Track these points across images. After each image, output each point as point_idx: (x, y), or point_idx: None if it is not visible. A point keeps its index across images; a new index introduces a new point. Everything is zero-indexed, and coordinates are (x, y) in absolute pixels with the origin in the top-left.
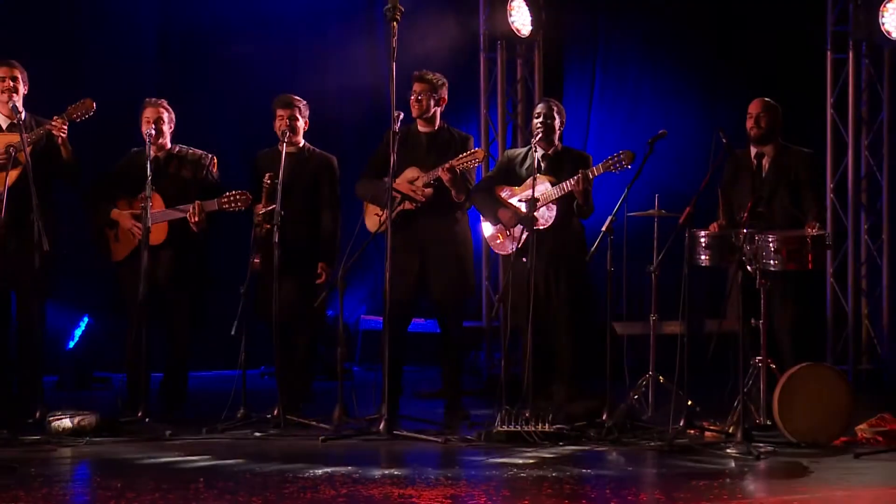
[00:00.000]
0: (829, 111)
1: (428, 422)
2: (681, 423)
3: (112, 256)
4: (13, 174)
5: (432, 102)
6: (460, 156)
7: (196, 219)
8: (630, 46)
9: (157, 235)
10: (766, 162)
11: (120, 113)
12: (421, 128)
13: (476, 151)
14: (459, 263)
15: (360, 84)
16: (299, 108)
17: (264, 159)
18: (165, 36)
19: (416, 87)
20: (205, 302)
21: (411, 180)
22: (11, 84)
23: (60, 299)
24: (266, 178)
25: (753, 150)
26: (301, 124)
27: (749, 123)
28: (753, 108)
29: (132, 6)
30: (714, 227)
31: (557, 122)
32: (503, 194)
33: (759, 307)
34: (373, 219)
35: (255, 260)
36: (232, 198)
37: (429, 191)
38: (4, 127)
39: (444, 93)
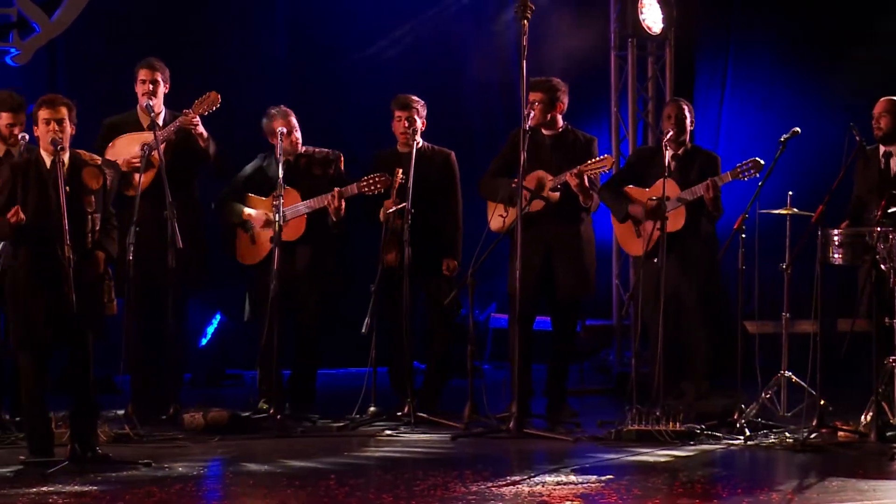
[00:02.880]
0: None
1: (566, 420)
2: (813, 423)
3: (247, 259)
4: (150, 174)
5: (547, 109)
6: (588, 162)
7: (336, 203)
8: (762, 43)
9: (295, 231)
10: (894, 162)
11: (253, 115)
12: (544, 130)
13: (605, 158)
14: (582, 264)
15: (490, 83)
16: (417, 109)
17: (383, 160)
18: (295, 36)
19: (531, 96)
20: (336, 299)
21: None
22: (151, 87)
23: (193, 297)
24: (398, 172)
25: (882, 149)
26: (419, 124)
27: (873, 123)
28: (876, 108)
29: (266, 9)
30: (844, 225)
31: (688, 122)
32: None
33: (894, 306)
34: (497, 220)
35: (388, 256)
36: (371, 180)
37: (556, 194)
38: (145, 126)
39: (562, 96)
